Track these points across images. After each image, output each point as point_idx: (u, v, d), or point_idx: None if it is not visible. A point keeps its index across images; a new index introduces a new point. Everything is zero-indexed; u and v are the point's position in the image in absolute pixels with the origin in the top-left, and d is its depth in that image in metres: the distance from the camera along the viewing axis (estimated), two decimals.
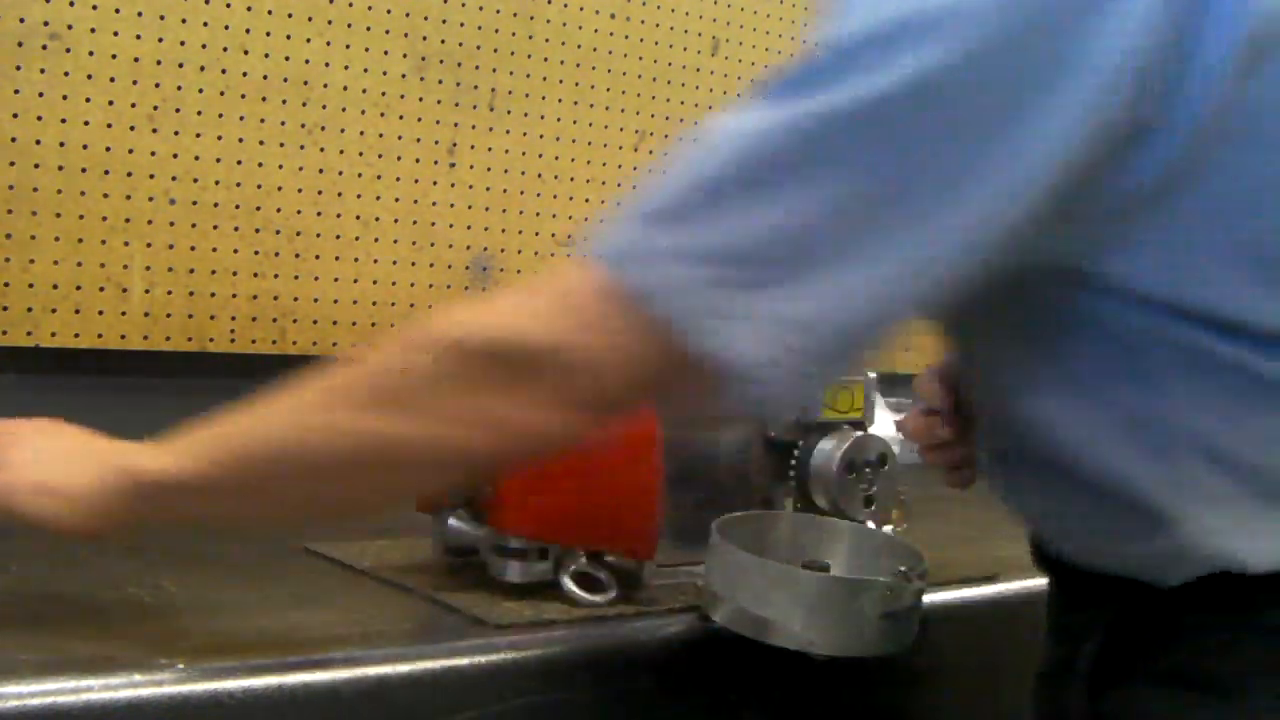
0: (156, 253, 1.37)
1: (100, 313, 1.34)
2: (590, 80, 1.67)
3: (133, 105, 1.35)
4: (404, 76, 1.52)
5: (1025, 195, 0.60)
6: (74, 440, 0.79)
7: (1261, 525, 0.67)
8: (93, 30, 1.32)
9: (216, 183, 1.40)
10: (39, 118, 1.30)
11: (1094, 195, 0.62)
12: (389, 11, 1.50)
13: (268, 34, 1.42)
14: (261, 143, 1.43)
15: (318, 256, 1.47)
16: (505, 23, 1.59)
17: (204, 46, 1.39)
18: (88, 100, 1.32)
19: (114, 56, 1.33)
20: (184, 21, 1.37)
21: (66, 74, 1.31)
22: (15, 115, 1.29)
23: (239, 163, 1.41)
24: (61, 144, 1.31)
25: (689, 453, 0.96)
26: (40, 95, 1.30)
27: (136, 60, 1.35)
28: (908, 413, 0.88)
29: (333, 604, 0.84)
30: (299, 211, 1.45)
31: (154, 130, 1.36)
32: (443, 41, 1.54)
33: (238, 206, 1.42)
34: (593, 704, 0.79)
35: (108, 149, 1.34)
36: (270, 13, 1.42)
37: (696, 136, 0.64)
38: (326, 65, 1.46)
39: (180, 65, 1.37)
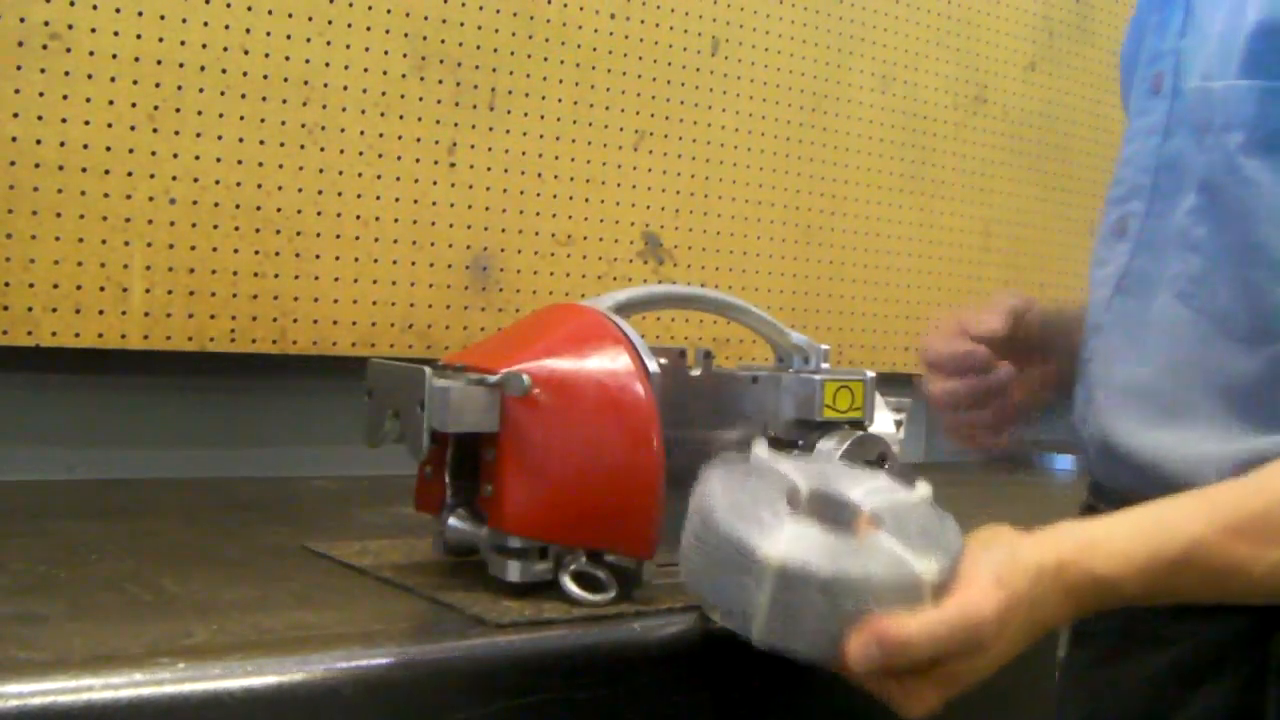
0: (156, 253, 1.37)
1: (100, 313, 1.34)
2: (590, 80, 1.67)
3: (133, 105, 1.35)
4: (404, 76, 1.52)
5: None
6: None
7: None
8: (93, 30, 1.32)
9: (216, 183, 1.40)
10: (39, 118, 1.30)
11: None
12: (389, 11, 1.50)
13: (268, 34, 1.43)
14: (261, 143, 1.43)
15: (318, 256, 1.47)
16: (505, 23, 1.59)
17: (204, 46, 1.39)
18: (88, 100, 1.32)
19: (114, 56, 1.33)
20: (184, 21, 1.37)
21: (66, 74, 1.31)
22: (15, 115, 1.29)
23: (239, 163, 1.41)
24: (61, 144, 1.31)
25: (689, 453, 0.96)
26: (40, 95, 1.30)
27: (136, 60, 1.35)
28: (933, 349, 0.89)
29: (333, 604, 0.84)
30: (299, 211, 1.45)
31: (154, 130, 1.36)
32: (443, 41, 1.55)
33: (238, 206, 1.42)
34: (593, 704, 0.79)
35: (108, 149, 1.34)
36: (270, 13, 1.43)
37: None
38: (326, 65, 1.47)
39: (180, 65, 1.37)
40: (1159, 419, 0.82)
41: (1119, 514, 0.72)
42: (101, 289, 1.34)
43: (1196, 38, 0.83)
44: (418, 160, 1.54)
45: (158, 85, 1.36)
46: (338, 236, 1.48)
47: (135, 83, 1.35)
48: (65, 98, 1.31)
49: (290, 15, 1.44)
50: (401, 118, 1.52)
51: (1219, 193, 0.79)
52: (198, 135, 1.39)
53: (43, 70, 1.30)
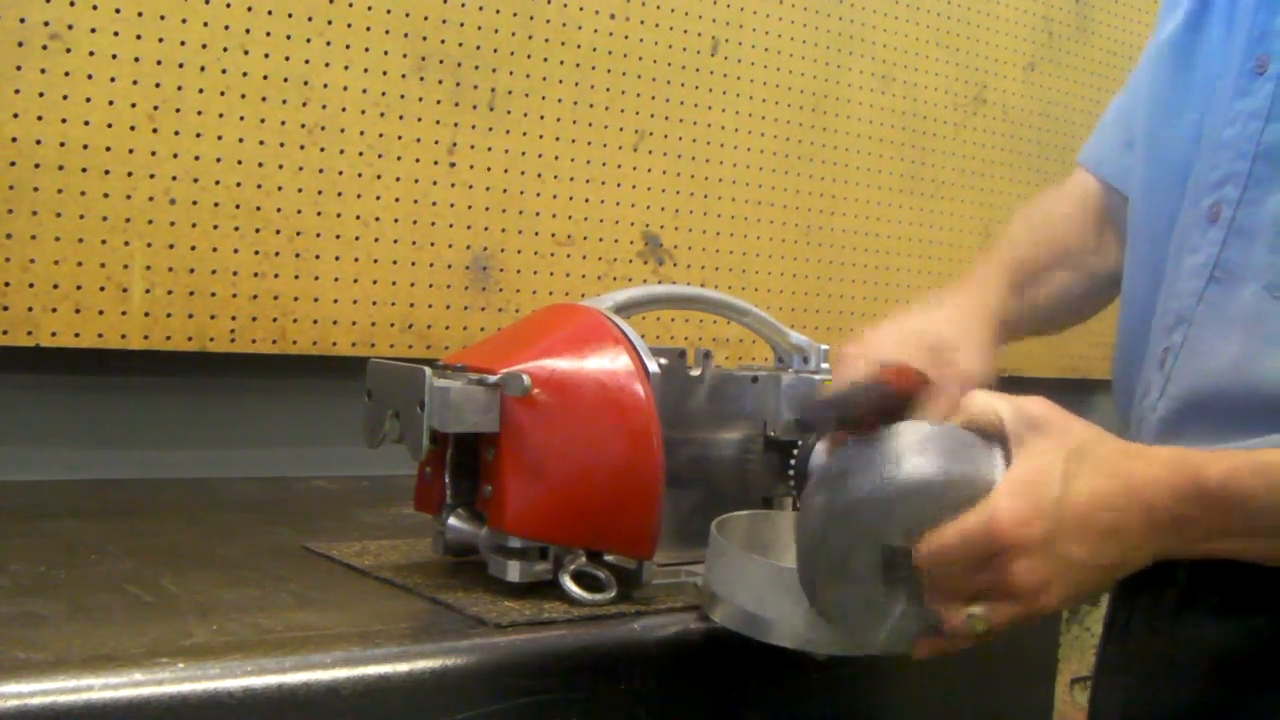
0: (156, 253, 1.37)
1: (100, 313, 1.34)
2: (590, 80, 1.67)
3: (133, 105, 1.35)
4: (404, 76, 1.52)
5: None
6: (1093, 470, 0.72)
7: None
8: (93, 30, 1.32)
9: (216, 183, 1.40)
10: (39, 118, 1.30)
11: None
12: (389, 11, 1.50)
13: (268, 34, 1.43)
14: (261, 143, 1.43)
15: (318, 256, 1.47)
16: (505, 23, 1.59)
17: (204, 46, 1.39)
18: (88, 100, 1.32)
19: (114, 56, 1.33)
20: (184, 21, 1.37)
21: (66, 74, 1.31)
22: (15, 115, 1.29)
23: (239, 163, 1.41)
24: (61, 144, 1.31)
25: (689, 453, 0.96)
26: (40, 95, 1.30)
27: (136, 60, 1.35)
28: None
29: (333, 604, 0.84)
30: (299, 211, 1.45)
31: (154, 130, 1.36)
32: (443, 41, 1.55)
33: (238, 206, 1.42)
34: (593, 704, 0.79)
35: (108, 149, 1.34)
36: (270, 13, 1.43)
37: None
38: (326, 65, 1.47)
39: (180, 65, 1.37)
40: (1226, 426, 0.79)
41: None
42: (101, 289, 1.34)
43: None
44: (418, 160, 1.54)
45: (158, 85, 1.36)
46: (338, 236, 1.48)
47: (135, 83, 1.35)
48: (65, 98, 1.31)
49: (290, 15, 1.44)
50: (401, 118, 1.52)
51: None
52: (198, 135, 1.39)
53: (43, 70, 1.30)
